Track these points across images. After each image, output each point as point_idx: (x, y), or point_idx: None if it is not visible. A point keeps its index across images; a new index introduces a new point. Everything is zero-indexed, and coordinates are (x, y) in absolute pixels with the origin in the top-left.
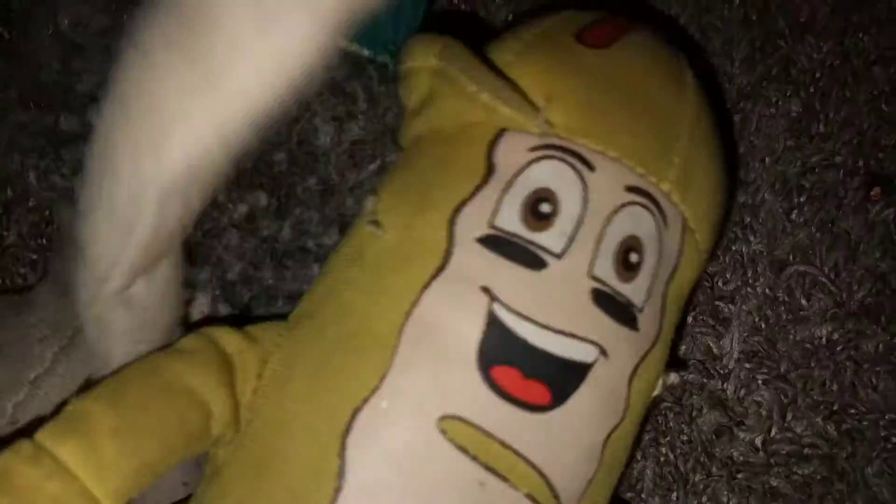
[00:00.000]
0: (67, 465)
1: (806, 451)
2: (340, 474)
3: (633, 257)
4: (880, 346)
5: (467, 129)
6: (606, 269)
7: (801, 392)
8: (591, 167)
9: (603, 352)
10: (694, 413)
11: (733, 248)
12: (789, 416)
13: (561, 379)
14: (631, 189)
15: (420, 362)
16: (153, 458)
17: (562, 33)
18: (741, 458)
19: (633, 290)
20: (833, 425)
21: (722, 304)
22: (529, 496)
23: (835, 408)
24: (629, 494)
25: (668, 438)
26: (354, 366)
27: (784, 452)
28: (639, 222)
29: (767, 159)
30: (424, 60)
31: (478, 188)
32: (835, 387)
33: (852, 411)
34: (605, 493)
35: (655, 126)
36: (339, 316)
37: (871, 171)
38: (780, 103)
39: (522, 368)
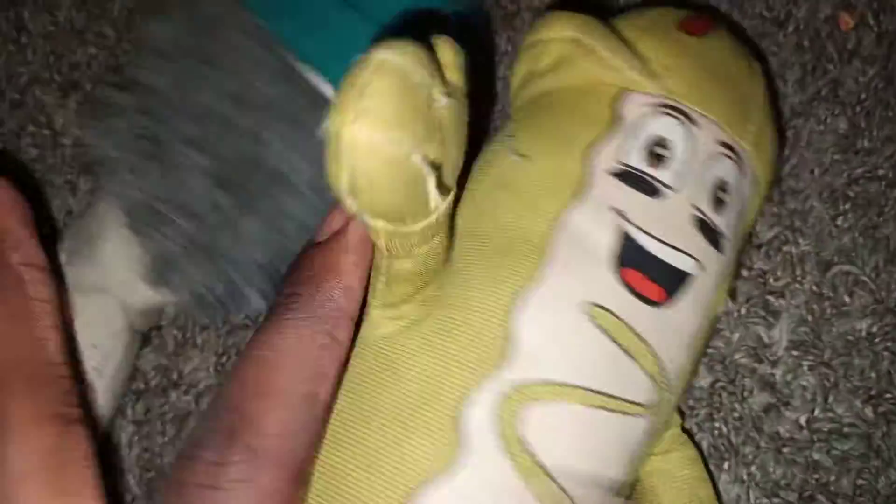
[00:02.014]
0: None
1: (845, 429)
2: (509, 338)
3: (722, 195)
4: None
5: (595, 87)
6: (704, 202)
7: (843, 378)
8: (695, 123)
9: (700, 265)
10: (745, 393)
11: (784, 248)
12: (831, 399)
13: (672, 282)
14: (722, 144)
15: (568, 263)
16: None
17: (668, 22)
18: (787, 434)
19: (721, 221)
20: (871, 408)
21: (772, 299)
22: (649, 374)
23: (872, 392)
24: None
25: (721, 415)
26: (515, 266)
27: (825, 430)
28: (727, 169)
29: (816, 171)
30: (561, 32)
31: (606, 132)
32: (873, 374)
33: (888, 396)
34: (685, 385)
35: (739, 99)
36: (497, 230)
37: None
38: (828, 121)
39: (644, 271)
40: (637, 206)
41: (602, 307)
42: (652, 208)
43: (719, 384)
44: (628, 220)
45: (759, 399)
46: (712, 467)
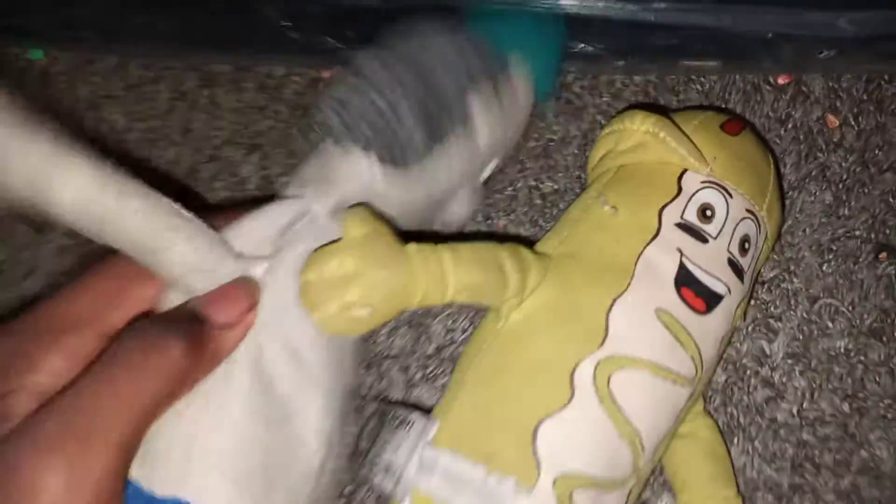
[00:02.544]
0: (442, 258)
1: (827, 418)
2: (606, 328)
3: (746, 245)
4: (881, 355)
5: (664, 166)
6: (734, 249)
7: (825, 381)
8: (731, 196)
9: (729, 290)
10: (751, 388)
11: (781, 285)
12: (816, 396)
13: (711, 300)
14: (748, 210)
15: (645, 281)
16: (479, 282)
17: (713, 124)
18: (782, 419)
19: (744, 262)
20: (847, 404)
21: (772, 321)
22: (692, 359)
23: (848, 392)
24: None
25: (733, 402)
26: (610, 281)
27: (812, 417)
28: (750, 227)
29: (807, 230)
30: (642, 124)
31: (673, 198)
32: (849, 380)
33: (860, 395)
34: (712, 373)
35: (759, 180)
36: (597, 256)
37: (880, 242)
38: (817, 194)
39: (695, 290)
40: (691, 247)
41: (666, 311)
42: (701, 250)
43: (731, 381)
44: (685, 256)
45: (762, 393)
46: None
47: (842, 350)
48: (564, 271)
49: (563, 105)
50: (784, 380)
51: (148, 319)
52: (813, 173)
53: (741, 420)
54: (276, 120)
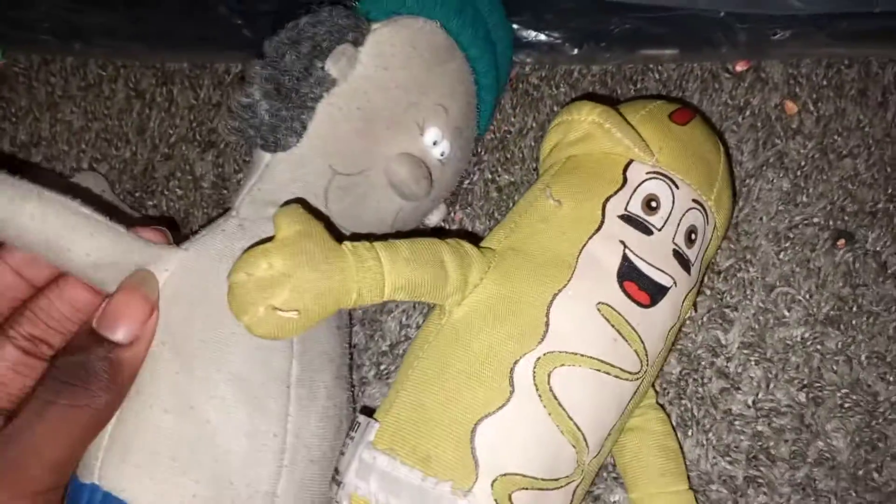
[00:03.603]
0: (378, 256)
1: (783, 409)
2: (546, 323)
3: (693, 236)
4: (839, 344)
5: (610, 157)
6: (680, 240)
7: (782, 371)
8: (677, 186)
9: (675, 282)
10: (706, 380)
11: (737, 274)
12: (772, 386)
13: (656, 292)
14: (695, 201)
15: (587, 275)
16: (417, 280)
17: (661, 113)
18: (737, 410)
19: (691, 253)
20: (803, 394)
21: (728, 311)
22: (637, 353)
23: (805, 382)
24: None
25: (687, 394)
26: (552, 275)
27: (767, 408)
28: (697, 218)
29: (764, 218)
30: (588, 115)
31: (618, 190)
32: (806, 369)
33: (817, 385)
34: (660, 365)
35: (707, 170)
36: (539, 250)
37: (838, 229)
38: (774, 182)
39: (638, 283)
40: (635, 240)
41: (608, 305)
42: (645, 242)
43: (685, 372)
44: (629, 249)
45: (717, 384)
46: (679, 434)
47: (798, 339)
48: (507, 266)
49: (520, 96)
50: (739, 370)
51: (63, 367)
52: (771, 160)
53: (695, 412)
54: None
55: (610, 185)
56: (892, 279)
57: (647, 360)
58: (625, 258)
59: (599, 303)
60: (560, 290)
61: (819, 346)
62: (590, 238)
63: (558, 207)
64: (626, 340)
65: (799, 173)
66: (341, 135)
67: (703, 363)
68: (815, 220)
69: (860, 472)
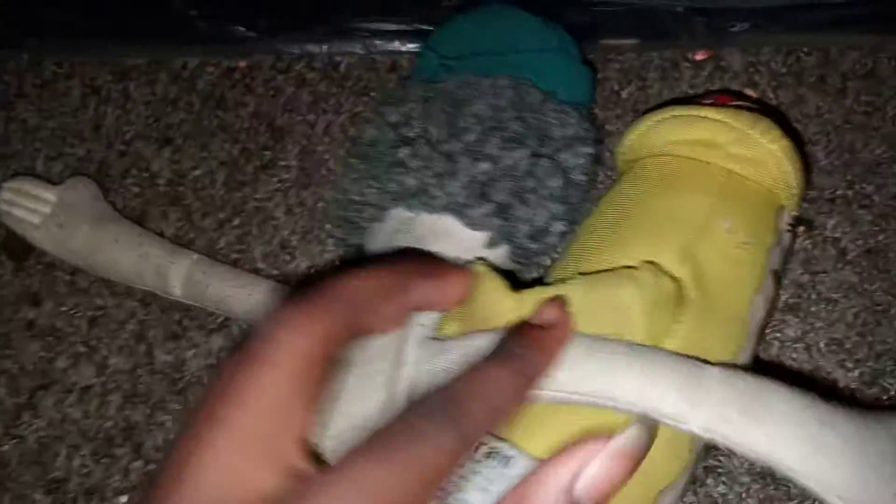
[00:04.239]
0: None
1: None
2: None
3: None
4: (798, 331)
5: (769, 195)
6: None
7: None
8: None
9: None
10: None
11: None
12: None
13: None
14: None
15: (752, 333)
16: None
17: (792, 146)
18: None
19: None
20: None
21: None
22: None
23: (764, 371)
24: None
25: None
26: (735, 334)
27: None
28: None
29: None
30: (772, 143)
31: (776, 241)
32: (765, 357)
33: (777, 374)
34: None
35: None
36: (720, 298)
37: (797, 215)
38: None
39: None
40: (772, 295)
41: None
42: (776, 293)
43: None
44: (768, 306)
45: None
46: None
47: None
48: (698, 313)
49: None
50: None
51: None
52: None
53: None
54: (188, 112)
55: (769, 234)
56: (850, 266)
57: None
58: (765, 317)
59: (746, 362)
60: (735, 354)
61: (778, 334)
62: (755, 295)
63: (743, 249)
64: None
65: None
66: None
67: None
68: None
69: None
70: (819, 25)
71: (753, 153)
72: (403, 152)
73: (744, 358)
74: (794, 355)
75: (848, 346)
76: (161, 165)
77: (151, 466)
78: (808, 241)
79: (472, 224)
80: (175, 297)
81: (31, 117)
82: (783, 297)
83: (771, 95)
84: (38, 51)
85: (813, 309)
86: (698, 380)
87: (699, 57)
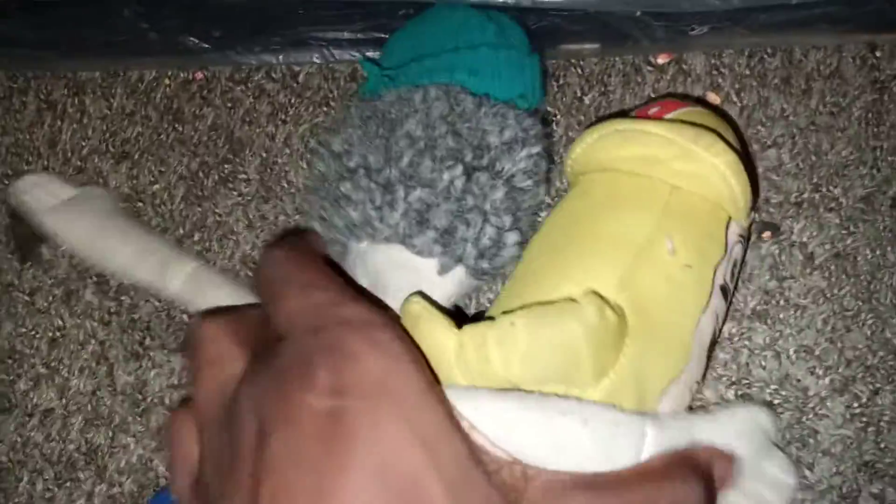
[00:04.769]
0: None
1: (711, 407)
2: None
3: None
4: (766, 339)
5: (716, 211)
6: (728, 279)
7: (709, 368)
8: (748, 244)
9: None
10: None
11: None
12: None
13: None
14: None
15: (694, 357)
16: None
17: (737, 154)
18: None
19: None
20: (732, 391)
21: None
22: None
23: (733, 379)
24: None
25: None
26: (675, 360)
27: (695, 406)
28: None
29: None
30: (715, 158)
31: (722, 255)
32: (734, 366)
33: (745, 382)
34: None
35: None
36: (661, 323)
37: (763, 221)
38: None
39: (709, 353)
40: (722, 311)
41: (697, 382)
42: (724, 309)
43: None
44: (718, 322)
45: None
46: None
47: (726, 335)
48: (638, 342)
49: None
50: None
51: None
52: None
53: None
54: (144, 126)
55: (718, 250)
56: (818, 270)
57: None
58: (714, 333)
59: (693, 382)
60: (673, 381)
61: (747, 342)
62: (702, 315)
63: (685, 271)
64: (691, 392)
65: None
66: None
67: None
68: None
69: None
70: (781, 26)
71: (697, 168)
72: (345, 186)
73: (688, 378)
74: (764, 363)
75: (818, 352)
76: (119, 181)
77: (115, 489)
78: (774, 247)
79: (420, 252)
80: (167, 292)
81: None
82: (751, 304)
83: (735, 98)
84: None
85: (781, 315)
86: None
87: (661, 60)
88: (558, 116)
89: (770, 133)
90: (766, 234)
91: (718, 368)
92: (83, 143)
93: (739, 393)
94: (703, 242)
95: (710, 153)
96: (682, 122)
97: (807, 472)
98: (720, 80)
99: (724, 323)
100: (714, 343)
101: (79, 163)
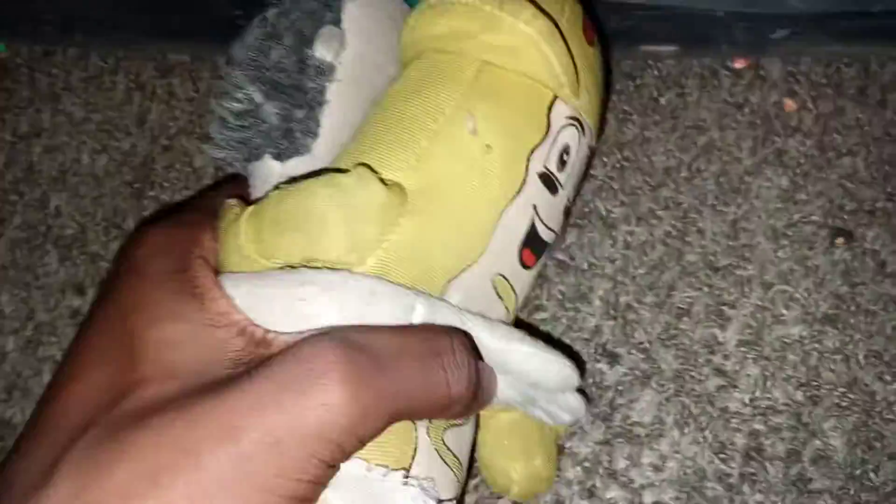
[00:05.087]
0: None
1: (780, 407)
2: (443, 293)
3: (565, 157)
4: (836, 343)
5: (535, 88)
6: (571, 192)
7: (779, 370)
8: (584, 133)
9: (555, 234)
10: (702, 377)
11: (735, 272)
12: (769, 385)
13: (541, 252)
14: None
15: (496, 248)
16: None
17: (577, 29)
18: (734, 408)
19: (571, 194)
20: (800, 393)
21: (725, 308)
22: (507, 308)
23: (802, 381)
24: (657, 425)
25: (685, 390)
26: (467, 248)
27: (764, 406)
28: (584, 155)
29: (762, 216)
30: (528, 26)
31: (542, 140)
32: (803, 368)
33: (814, 384)
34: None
35: (600, 98)
36: (456, 208)
37: (836, 227)
38: (773, 179)
39: (532, 248)
40: (544, 201)
41: (502, 276)
42: (550, 203)
43: (683, 368)
44: (537, 214)
45: (713, 382)
46: (676, 432)
47: (796, 338)
48: (421, 223)
49: None
50: (737, 368)
51: None
52: (769, 158)
53: (692, 409)
54: None
55: (535, 132)
56: (890, 278)
57: (514, 312)
58: (532, 226)
59: (496, 275)
60: (467, 268)
61: (817, 345)
62: (510, 203)
63: (487, 152)
64: (503, 300)
65: (797, 171)
66: (353, 121)
67: (699, 360)
68: (814, 218)
69: (857, 472)
70: (860, 34)
71: (507, 39)
72: None
73: (486, 269)
74: (833, 366)
75: (887, 358)
76: (205, 161)
77: None
78: (847, 253)
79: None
80: None
81: (76, 111)
82: (822, 308)
83: (811, 105)
84: (84, 46)
85: (852, 321)
86: None
87: (739, 65)
88: (634, 116)
89: (845, 141)
90: (840, 241)
91: (788, 370)
92: (171, 123)
93: (808, 394)
94: (514, 122)
95: (521, 20)
96: None
97: (871, 475)
98: (796, 88)
99: (564, 224)
100: (542, 245)
101: (167, 141)
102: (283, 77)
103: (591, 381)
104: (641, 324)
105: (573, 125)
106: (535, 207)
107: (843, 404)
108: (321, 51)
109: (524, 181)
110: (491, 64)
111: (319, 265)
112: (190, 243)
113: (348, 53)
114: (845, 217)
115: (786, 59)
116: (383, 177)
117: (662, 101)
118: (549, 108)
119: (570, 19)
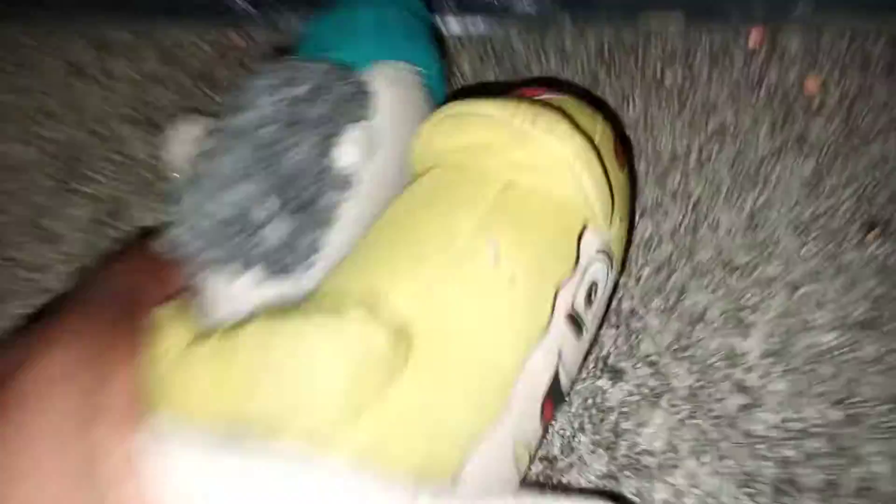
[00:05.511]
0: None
1: (813, 429)
2: (455, 477)
3: (595, 301)
4: (876, 351)
5: (565, 213)
6: (593, 333)
7: (810, 385)
8: (612, 267)
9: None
10: (721, 395)
11: (755, 272)
12: (800, 402)
13: (559, 401)
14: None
15: (518, 405)
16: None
17: (609, 150)
18: (760, 432)
19: (595, 333)
20: (836, 411)
21: (746, 314)
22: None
23: (838, 398)
24: (669, 454)
25: (701, 411)
26: (483, 407)
27: (796, 429)
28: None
29: (783, 207)
30: (563, 147)
31: (570, 271)
32: (838, 382)
33: (852, 401)
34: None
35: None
36: (471, 353)
37: (869, 219)
38: (794, 167)
39: (553, 400)
40: (568, 346)
41: (522, 441)
42: (574, 347)
43: (698, 385)
44: (561, 361)
45: (734, 400)
46: (693, 461)
47: (828, 347)
48: (427, 374)
49: (505, 73)
50: (761, 384)
51: None
52: (789, 143)
53: (711, 434)
54: (177, 93)
55: (563, 263)
56: None
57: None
58: (555, 375)
59: (516, 441)
60: (484, 433)
61: (853, 355)
62: (534, 349)
63: (510, 287)
64: (518, 466)
65: (822, 157)
66: (359, 235)
67: (717, 375)
68: (843, 209)
69: None
70: (888, 5)
71: (537, 157)
72: None
73: (506, 437)
74: (872, 379)
75: None
76: (144, 150)
77: None
78: (880, 249)
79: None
80: None
81: (5, 97)
82: (855, 314)
83: (834, 86)
84: (13, 24)
85: (891, 326)
86: None
87: (753, 39)
88: (636, 96)
89: (874, 123)
90: (872, 234)
91: (820, 385)
92: (109, 109)
93: (846, 413)
94: (542, 252)
95: (554, 137)
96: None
97: None
98: (818, 65)
99: (578, 372)
100: (563, 396)
101: (104, 129)
102: (298, 188)
103: (591, 401)
104: (648, 333)
105: (602, 259)
106: (559, 353)
107: (888, 424)
108: (346, 157)
109: (549, 322)
110: (516, 184)
111: (294, 432)
112: (99, 378)
113: (376, 160)
114: (877, 207)
115: (806, 33)
116: (382, 311)
117: (668, 79)
118: (580, 239)
119: (604, 139)
